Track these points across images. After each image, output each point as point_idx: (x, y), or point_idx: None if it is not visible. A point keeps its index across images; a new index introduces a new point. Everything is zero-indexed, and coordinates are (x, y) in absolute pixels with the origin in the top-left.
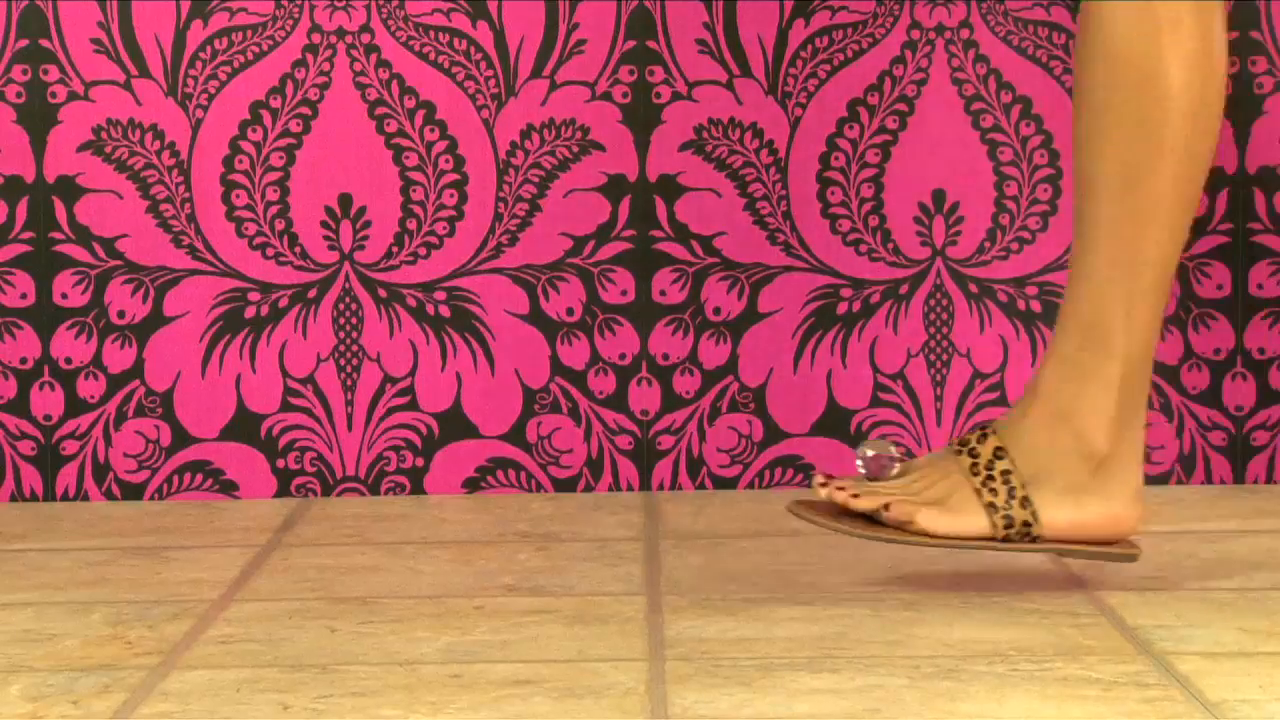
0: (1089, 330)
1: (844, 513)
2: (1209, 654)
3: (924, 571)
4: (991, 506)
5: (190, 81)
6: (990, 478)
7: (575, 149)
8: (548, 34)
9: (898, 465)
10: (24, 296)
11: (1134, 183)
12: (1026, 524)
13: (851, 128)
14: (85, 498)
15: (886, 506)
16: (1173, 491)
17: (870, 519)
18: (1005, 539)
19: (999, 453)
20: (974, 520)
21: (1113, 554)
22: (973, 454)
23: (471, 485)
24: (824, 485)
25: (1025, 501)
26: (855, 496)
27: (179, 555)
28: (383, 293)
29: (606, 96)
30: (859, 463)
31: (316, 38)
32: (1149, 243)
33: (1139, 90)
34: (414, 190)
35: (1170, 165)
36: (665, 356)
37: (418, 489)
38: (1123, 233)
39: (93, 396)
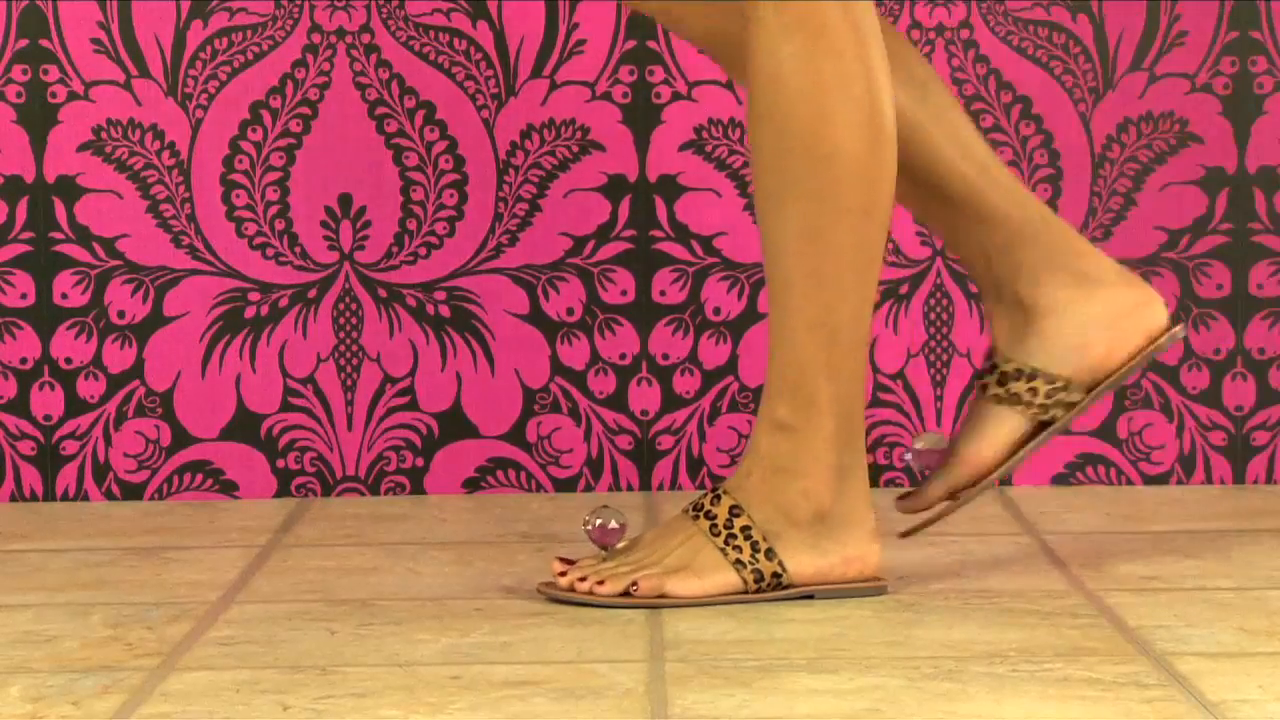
0: (795, 393)
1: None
2: (1209, 654)
3: (924, 572)
4: (739, 563)
5: (190, 81)
6: (732, 536)
7: (575, 149)
8: (548, 34)
9: (623, 536)
10: (24, 296)
11: (816, 247)
12: (776, 574)
13: None
14: (85, 498)
15: (634, 584)
16: (1173, 491)
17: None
18: (757, 590)
19: (735, 511)
20: (723, 577)
21: (859, 589)
22: (709, 516)
23: (471, 485)
24: (564, 576)
25: (770, 553)
26: (600, 583)
27: (179, 556)
28: (383, 293)
29: (606, 96)
30: (587, 532)
31: (316, 38)
32: (839, 303)
33: (811, 158)
34: (414, 190)
35: (850, 227)
36: (665, 356)
37: (418, 489)
38: (812, 296)
39: (93, 396)
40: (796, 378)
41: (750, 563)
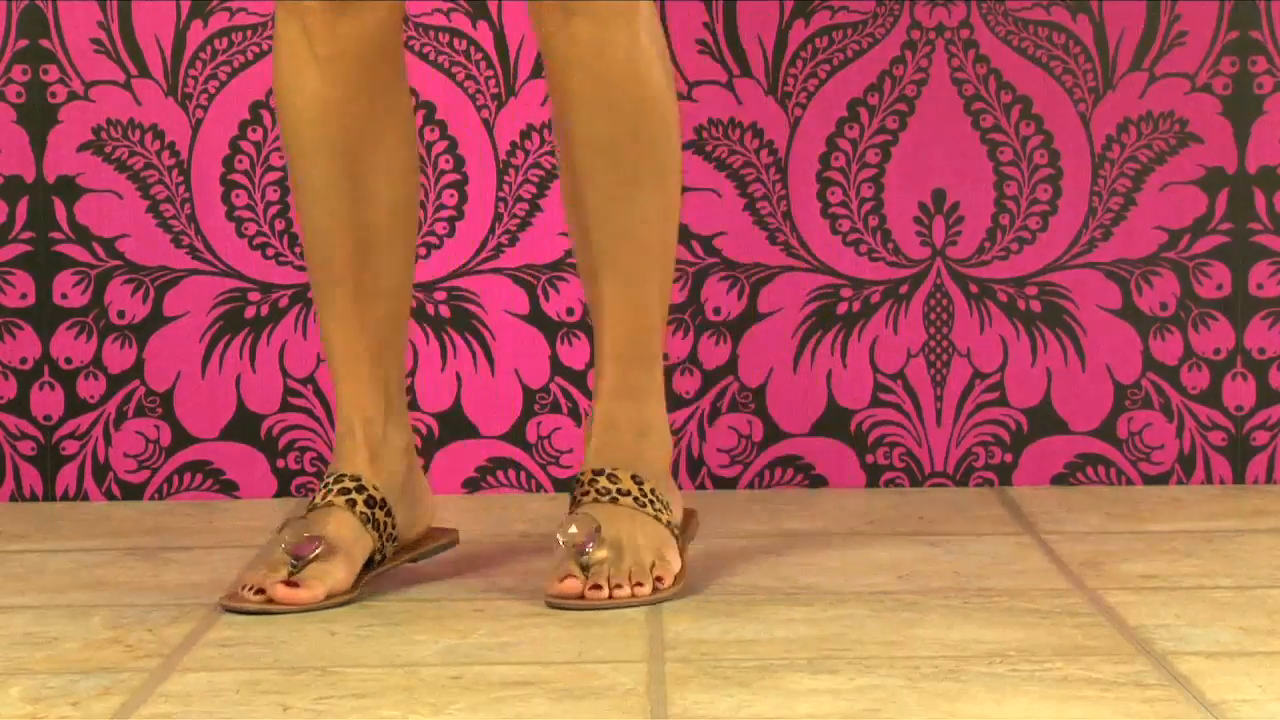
0: (646, 359)
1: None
2: (1209, 654)
3: (924, 571)
4: (669, 523)
5: (190, 81)
6: (652, 501)
7: None
8: None
9: (595, 542)
10: (24, 296)
11: (669, 221)
12: (679, 524)
13: (851, 128)
14: (85, 498)
15: (656, 585)
16: (1173, 491)
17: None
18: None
19: (637, 479)
20: (673, 543)
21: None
22: (624, 492)
23: (471, 485)
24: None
25: (668, 505)
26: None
27: (179, 556)
28: None
29: None
30: (561, 541)
31: None
32: (672, 266)
33: (659, 142)
34: None
35: (678, 193)
36: (665, 356)
37: None
38: (666, 267)
39: (93, 396)
40: (647, 344)
41: (670, 517)
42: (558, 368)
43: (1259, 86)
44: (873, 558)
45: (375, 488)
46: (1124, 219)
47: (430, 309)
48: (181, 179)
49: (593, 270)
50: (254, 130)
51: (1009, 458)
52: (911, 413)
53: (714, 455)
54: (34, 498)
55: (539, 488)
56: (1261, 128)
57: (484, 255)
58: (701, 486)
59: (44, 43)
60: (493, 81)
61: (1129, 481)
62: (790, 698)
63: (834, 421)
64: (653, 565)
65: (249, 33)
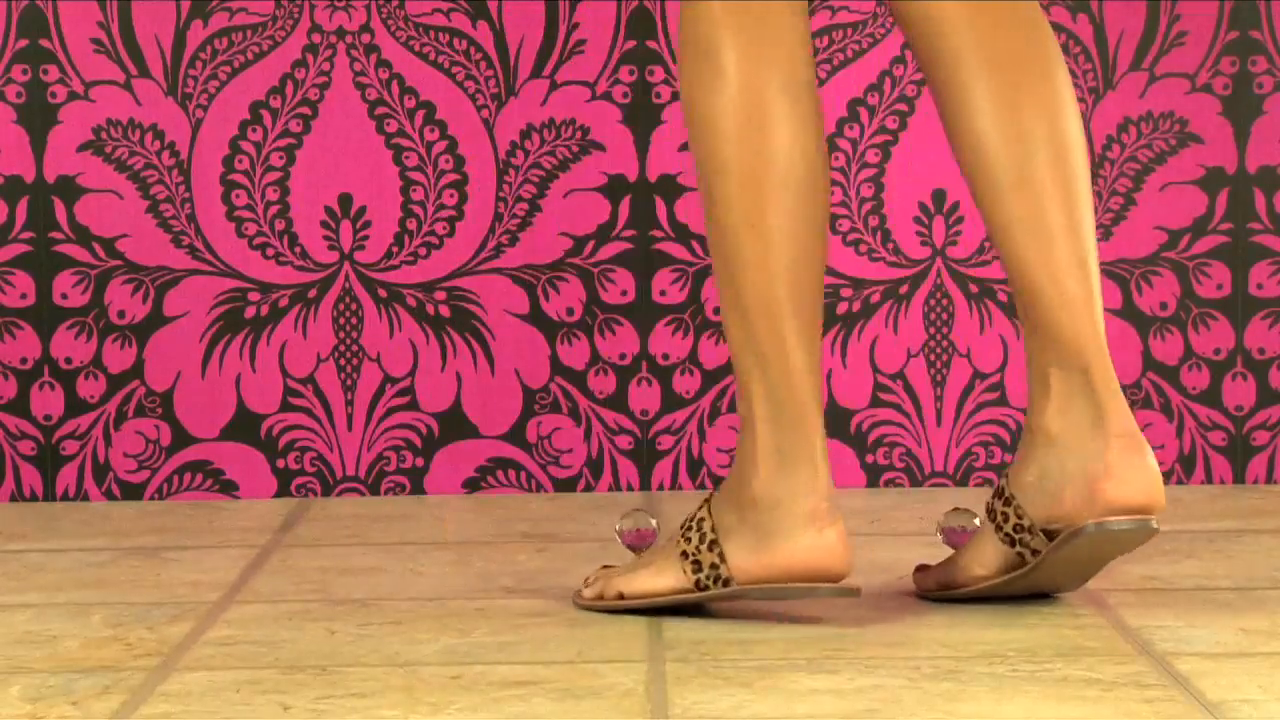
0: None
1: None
2: (1209, 654)
3: None
4: (684, 554)
5: (190, 81)
6: (689, 529)
7: (575, 149)
8: (548, 34)
9: (656, 539)
10: (24, 296)
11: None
12: (714, 566)
13: (851, 128)
14: (85, 498)
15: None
16: (1173, 491)
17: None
18: (699, 585)
19: (701, 507)
20: (671, 573)
21: (825, 590)
22: (689, 515)
23: (471, 485)
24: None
25: (713, 544)
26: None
27: (179, 556)
28: (383, 293)
29: (606, 96)
30: (618, 533)
31: (316, 38)
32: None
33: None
34: (414, 190)
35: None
36: (665, 356)
37: (418, 489)
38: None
39: (93, 396)
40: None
41: (693, 553)
42: (558, 368)
43: (1259, 86)
44: (873, 558)
45: None
46: (1124, 219)
47: (430, 309)
48: (181, 179)
49: None
50: (254, 130)
51: (1009, 458)
52: (911, 413)
53: (714, 455)
54: (34, 498)
55: (539, 488)
56: (1261, 128)
57: (484, 255)
58: (701, 486)
59: (44, 43)
60: (493, 81)
61: None
62: (790, 698)
63: (834, 421)
64: (604, 577)
65: (249, 33)
